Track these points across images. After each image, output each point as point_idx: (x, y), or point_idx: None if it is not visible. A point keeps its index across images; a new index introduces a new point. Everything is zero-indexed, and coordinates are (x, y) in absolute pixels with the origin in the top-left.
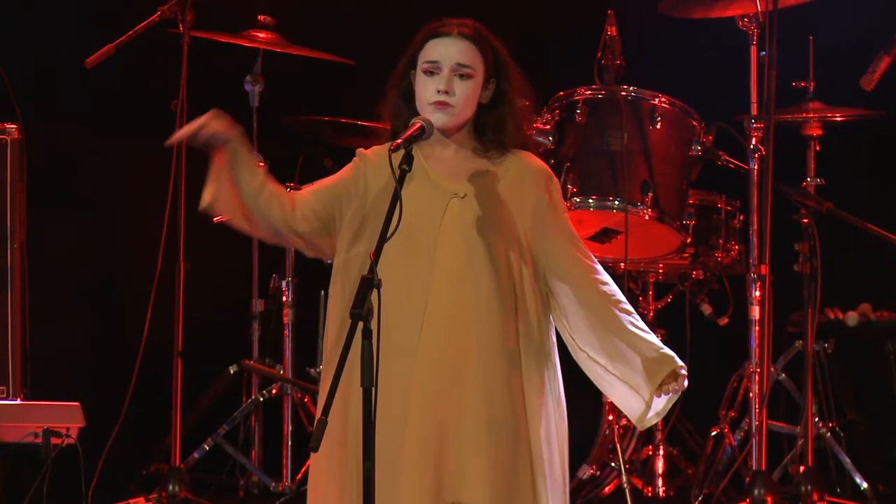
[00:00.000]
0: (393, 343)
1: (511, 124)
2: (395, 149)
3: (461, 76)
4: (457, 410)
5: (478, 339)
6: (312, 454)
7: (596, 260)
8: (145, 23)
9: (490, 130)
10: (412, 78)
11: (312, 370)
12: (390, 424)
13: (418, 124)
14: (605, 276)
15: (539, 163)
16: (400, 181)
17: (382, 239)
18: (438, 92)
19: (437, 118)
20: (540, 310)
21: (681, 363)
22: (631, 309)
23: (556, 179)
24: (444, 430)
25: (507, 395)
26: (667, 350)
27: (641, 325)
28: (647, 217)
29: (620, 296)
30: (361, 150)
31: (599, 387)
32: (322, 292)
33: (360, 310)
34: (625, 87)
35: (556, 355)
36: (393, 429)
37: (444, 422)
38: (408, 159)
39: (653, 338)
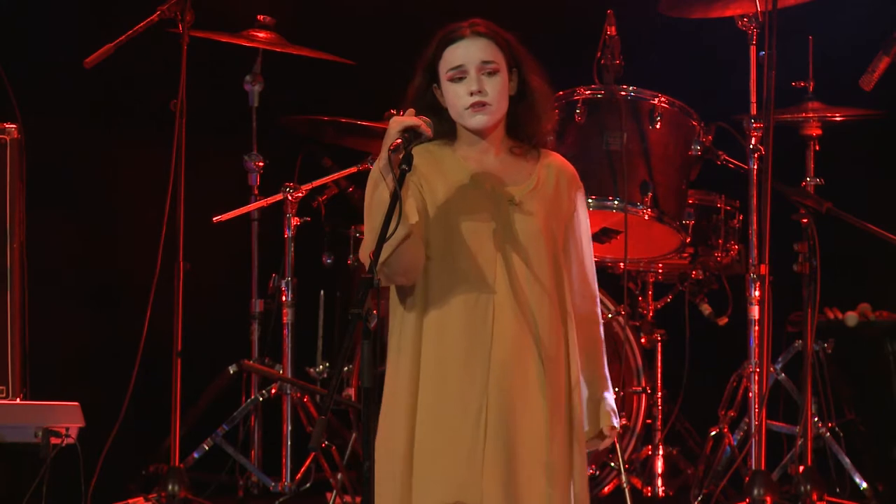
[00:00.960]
0: (469, 352)
1: (541, 111)
2: (395, 148)
3: (488, 73)
4: (526, 424)
5: (539, 346)
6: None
7: (596, 293)
8: (145, 23)
9: (523, 121)
10: (435, 91)
11: (312, 370)
12: (469, 426)
13: (421, 125)
14: (597, 315)
15: (571, 168)
16: (400, 181)
17: (382, 239)
18: (472, 94)
19: (478, 120)
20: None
21: (613, 425)
22: (604, 361)
23: (583, 186)
24: (515, 443)
25: (565, 407)
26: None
27: (607, 375)
28: (646, 217)
29: (600, 343)
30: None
31: None
32: (321, 292)
33: (360, 310)
34: (624, 86)
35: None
36: (471, 434)
37: (516, 433)
38: (407, 159)
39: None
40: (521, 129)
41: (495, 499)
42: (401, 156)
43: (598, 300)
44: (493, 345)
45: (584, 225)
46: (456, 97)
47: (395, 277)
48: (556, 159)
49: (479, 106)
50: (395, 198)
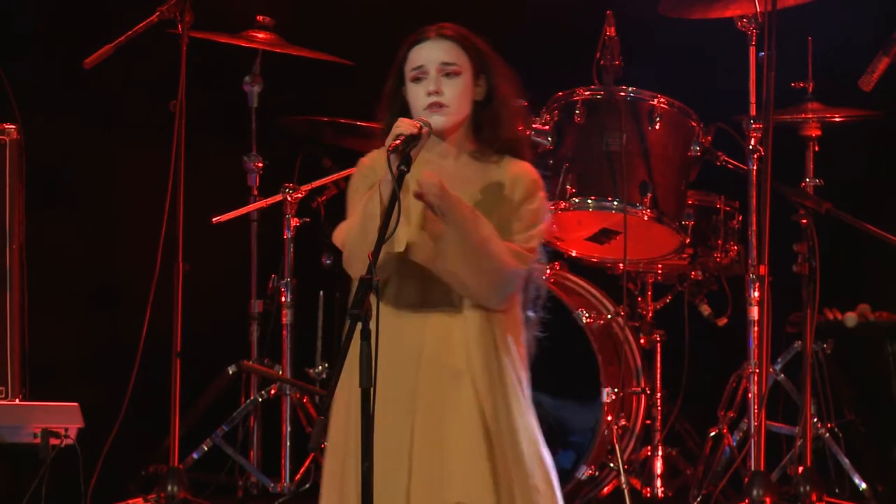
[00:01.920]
0: (400, 351)
1: (506, 117)
2: (394, 149)
3: (448, 75)
4: (455, 414)
5: (470, 349)
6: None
7: (526, 253)
8: (144, 23)
9: (486, 127)
10: (404, 93)
11: (311, 370)
12: (397, 425)
13: (417, 125)
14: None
15: (533, 176)
16: (399, 182)
17: (381, 239)
18: (429, 94)
19: (434, 121)
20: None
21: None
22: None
23: (538, 194)
24: (445, 432)
25: (499, 396)
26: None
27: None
28: (645, 217)
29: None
30: (364, 161)
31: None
32: (321, 293)
33: (359, 310)
34: (623, 87)
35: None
36: (400, 429)
37: (445, 424)
38: (406, 160)
39: None
40: (483, 135)
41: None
42: (399, 157)
43: (521, 261)
44: (424, 346)
45: (531, 218)
46: (415, 97)
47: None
48: (517, 167)
49: (436, 106)
50: (395, 198)
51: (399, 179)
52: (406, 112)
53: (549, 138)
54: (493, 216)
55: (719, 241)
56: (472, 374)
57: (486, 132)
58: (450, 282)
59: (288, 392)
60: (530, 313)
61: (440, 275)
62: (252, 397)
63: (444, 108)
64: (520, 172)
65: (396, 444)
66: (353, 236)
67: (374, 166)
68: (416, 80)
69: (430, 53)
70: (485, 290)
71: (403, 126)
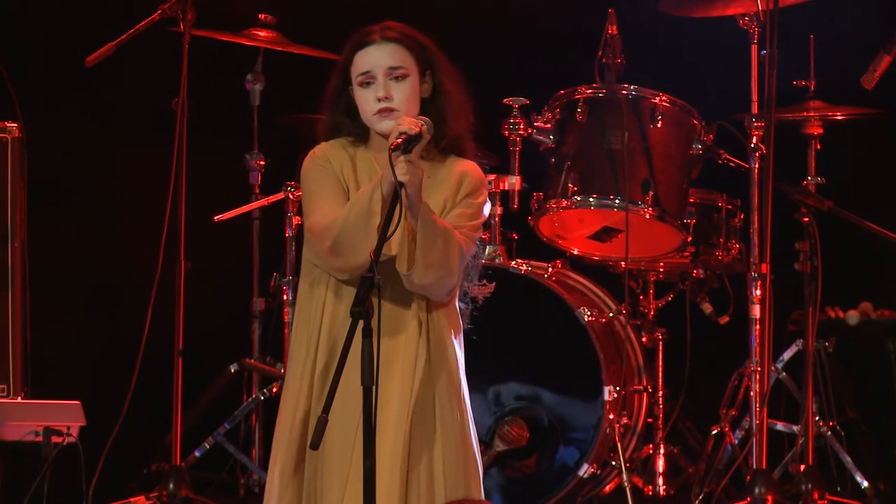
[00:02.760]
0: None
1: (451, 115)
2: (395, 148)
3: (396, 78)
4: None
5: (419, 343)
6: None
7: (471, 245)
8: (146, 21)
9: (434, 123)
10: (351, 93)
11: None
12: (350, 427)
13: (419, 124)
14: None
15: (479, 177)
16: (400, 182)
17: (382, 238)
18: (378, 100)
19: (386, 126)
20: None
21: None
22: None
23: (483, 191)
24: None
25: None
26: None
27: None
28: (647, 216)
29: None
30: (316, 152)
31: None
32: None
33: (361, 308)
34: (625, 85)
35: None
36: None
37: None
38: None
39: None
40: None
41: None
42: (401, 156)
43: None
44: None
45: (475, 212)
46: (364, 102)
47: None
48: (464, 166)
49: (386, 111)
50: (397, 198)
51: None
52: (352, 112)
53: (551, 136)
54: (442, 213)
55: (721, 240)
56: (420, 367)
57: (434, 129)
58: (420, 280)
59: None
60: (461, 304)
61: (413, 277)
62: (254, 395)
63: (394, 112)
64: (467, 170)
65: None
66: (348, 227)
67: (329, 158)
68: (364, 84)
69: (377, 58)
70: (443, 282)
71: (405, 125)
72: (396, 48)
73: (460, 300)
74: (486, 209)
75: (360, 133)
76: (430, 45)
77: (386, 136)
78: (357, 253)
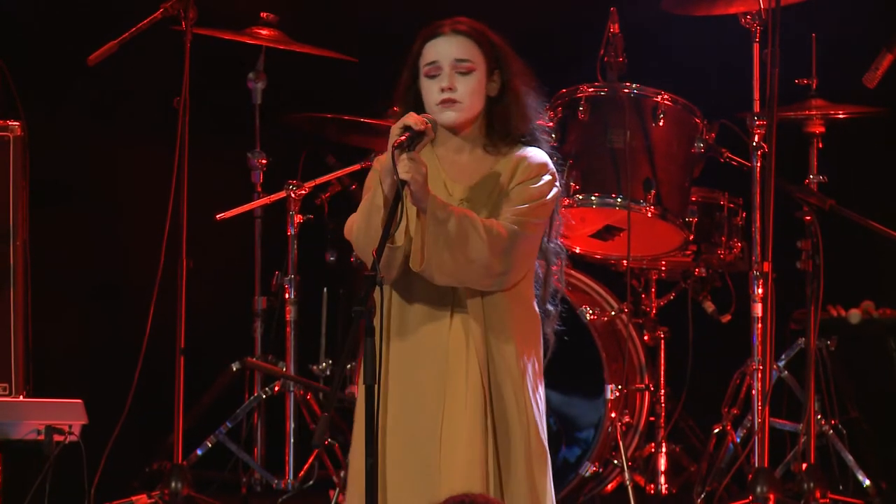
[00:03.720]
0: (424, 343)
1: (515, 113)
2: (398, 145)
3: (462, 72)
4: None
5: (473, 336)
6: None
7: (508, 222)
8: (148, 20)
9: (497, 121)
10: (419, 86)
11: (315, 367)
12: (429, 421)
13: (424, 122)
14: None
15: (539, 159)
16: (402, 180)
17: (385, 235)
18: (442, 90)
19: (447, 116)
20: (526, 290)
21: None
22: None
23: (548, 173)
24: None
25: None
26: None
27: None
28: (649, 214)
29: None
30: (378, 157)
31: None
32: (324, 290)
33: (363, 307)
34: (627, 84)
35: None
36: (430, 426)
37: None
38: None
39: None
40: (495, 129)
41: None
42: (403, 154)
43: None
44: (451, 336)
45: (531, 191)
46: (429, 93)
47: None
48: (525, 152)
49: (448, 102)
50: (398, 199)
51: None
52: (419, 105)
53: (553, 135)
54: (486, 201)
55: (723, 238)
56: (476, 361)
57: (498, 127)
58: (439, 275)
59: (292, 389)
60: (549, 307)
61: (430, 272)
62: (256, 394)
63: (456, 104)
64: (525, 156)
65: (428, 432)
66: (357, 227)
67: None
68: (430, 76)
69: (444, 49)
70: (474, 271)
71: (410, 121)
72: (465, 41)
73: (549, 302)
74: (551, 193)
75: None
76: (501, 43)
77: (448, 129)
78: (368, 252)
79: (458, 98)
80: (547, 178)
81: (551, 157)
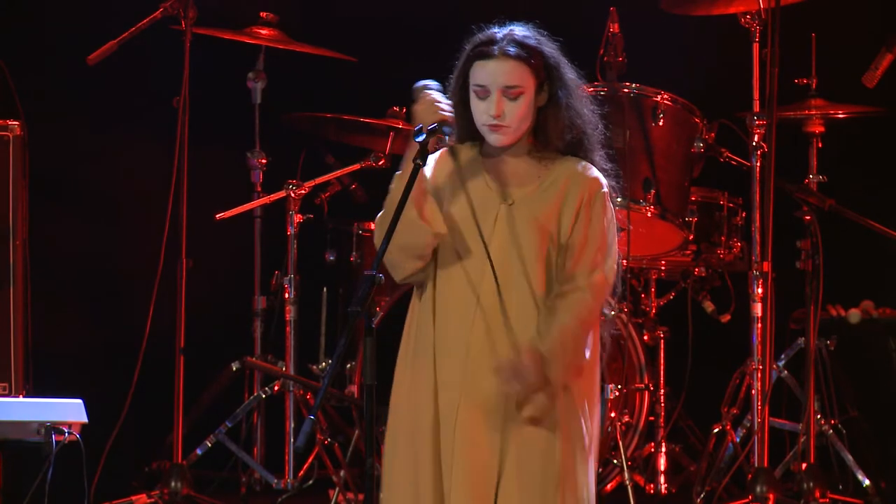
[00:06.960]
0: (448, 338)
1: (562, 125)
2: (417, 132)
3: (511, 98)
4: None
5: (518, 342)
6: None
7: (589, 287)
8: (147, 19)
9: (542, 130)
10: (469, 98)
11: (315, 367)
12: (445, 423)
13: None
14: (580, 296)
15: (593, 176)
16: (413, 174)
17: (389, 233)
18: (491, 115)
19: (495, 139)
20: None
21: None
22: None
23: (605, 192)
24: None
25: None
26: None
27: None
28: (649, 214)
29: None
30: (440, 154)
31: None
32: (324, 289)
33: (361, 307)
34: (627, 84)
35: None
36: (446, 427)
37: (491, 423)
38: (423, 154)
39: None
40: (542, 136)
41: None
42: (418, 146)
43: (587, 291)
44: (472, 334)
45: (598, 224)
46: (478, 112)
47: (406, 263)
48: (576, 165)
49: (495, 128)
50: (408, 191)
51: (413, 171)
52: (467, 102)
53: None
54: (535, 208)
55: (723, 238)
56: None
57: (541, 135)
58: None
59: (291, 388)
60: (606, 311)
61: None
62: (255, 394)
63: (503, 128)
64: (577, 171)
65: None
66: (377, 224)
67: (431, 171)
68: (479, 96)
69: (494, 75)
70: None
71: (435, 115)
72: (515, 66)
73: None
74: (608, 216)
75: (475, 130)
76: (551, 54)
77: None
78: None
79: (506, 123)
80: (608, 206)
81: (605, 154)
